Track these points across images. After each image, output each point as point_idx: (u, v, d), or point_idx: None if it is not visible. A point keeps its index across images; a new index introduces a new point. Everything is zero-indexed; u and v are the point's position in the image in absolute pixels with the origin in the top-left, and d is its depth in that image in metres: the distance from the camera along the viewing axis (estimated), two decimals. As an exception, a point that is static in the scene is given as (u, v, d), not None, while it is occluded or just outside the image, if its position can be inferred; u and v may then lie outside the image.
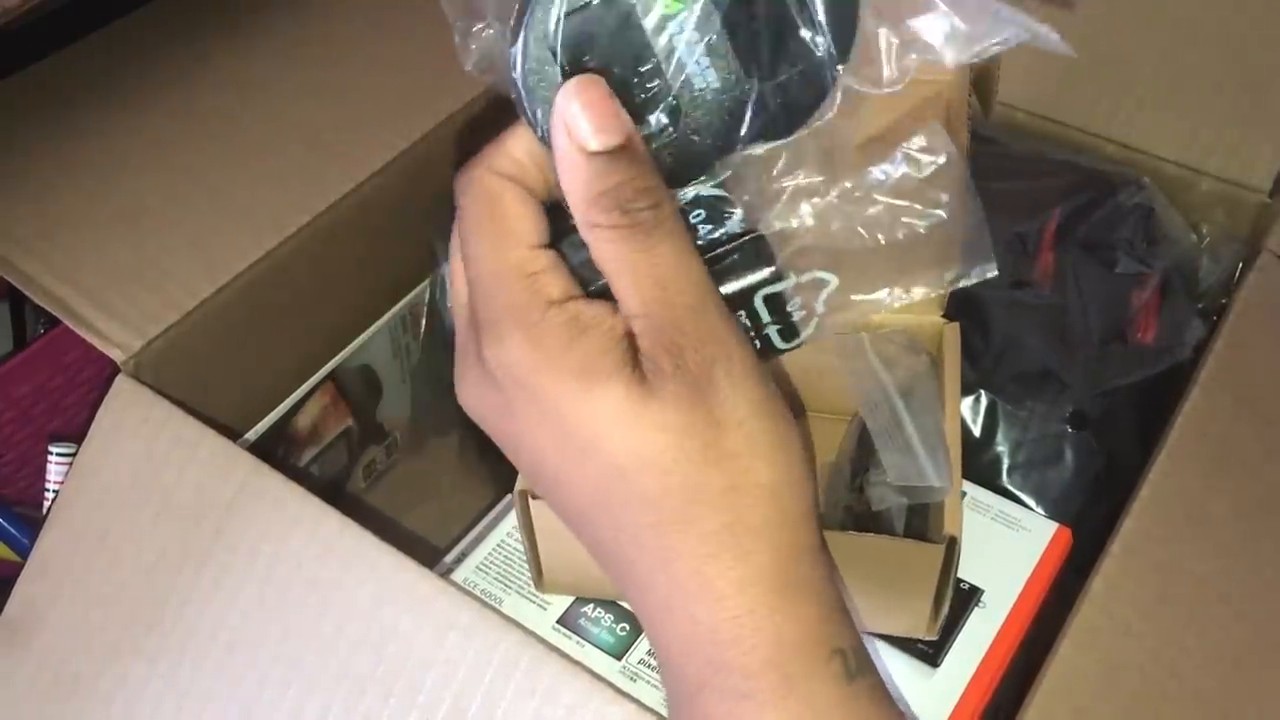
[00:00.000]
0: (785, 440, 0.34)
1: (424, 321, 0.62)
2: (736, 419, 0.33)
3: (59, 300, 0.48)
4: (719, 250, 0.36)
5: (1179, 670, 0.43)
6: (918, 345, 0.51)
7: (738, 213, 0.36)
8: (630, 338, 0.33)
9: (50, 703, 0.44)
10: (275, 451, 0.56)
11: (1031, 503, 0.57)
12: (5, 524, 0.54)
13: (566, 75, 0.33)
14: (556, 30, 0.33)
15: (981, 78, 0.69)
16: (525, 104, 0.34)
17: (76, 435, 0.48)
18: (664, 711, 0.37)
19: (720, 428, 0.33)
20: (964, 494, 0.51)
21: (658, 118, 0.34)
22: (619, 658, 0.47)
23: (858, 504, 0.49)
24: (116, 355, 0.47)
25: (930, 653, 0.47)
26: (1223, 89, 0.66)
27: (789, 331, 0.37)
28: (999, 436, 0.58)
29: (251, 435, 0.54)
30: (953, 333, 0.51)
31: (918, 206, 0.36)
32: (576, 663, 0.39)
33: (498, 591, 0.49)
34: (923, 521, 0.47)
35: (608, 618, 0.48)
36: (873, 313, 0.38)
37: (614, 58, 0.33)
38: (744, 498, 0.33)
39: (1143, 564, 0.46)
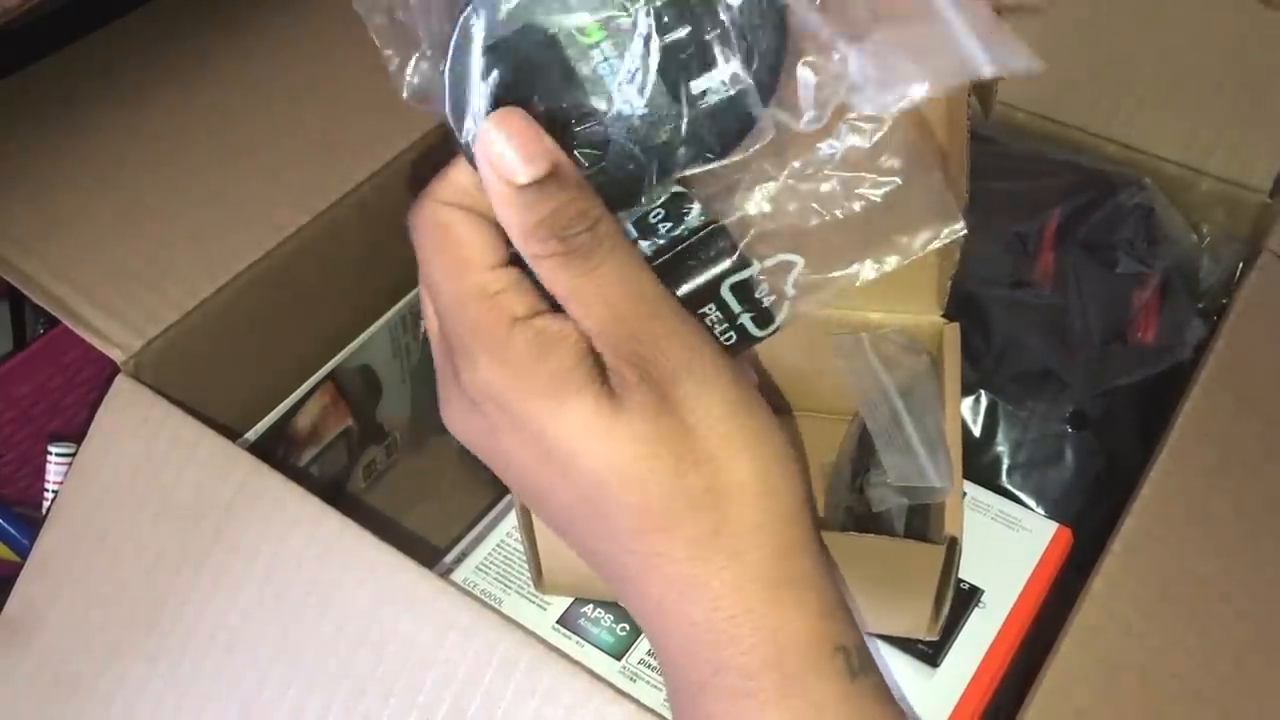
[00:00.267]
0: (764, 436, 0.34)
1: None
2: (709, 421, 0.33)
3: (58, 300, 0.48)
4: (681, 246, 0.36)
5: (1180, 670, 0.43)
6: (918, 345, 0.51)
7: (696, 207, 0.36)
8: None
9: (50, 702, 0.44)
10: (275, 451, 0.56)
11: (1032, 503, 0.57)
12: (5, 524, 0.54)
13: (493, 107, 0.33)
14: (479, 62, 0.33)
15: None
16: (457, 136, 0.34)
17: (76, 435, 0.48)
18: (664, 711, 0.37)
19: (693, 432, 0.33)
20: (964, 494, 0.51)
21: (589, 148, 0.34)
22: (619, 658, 0.47)
23: (858, 504, 0.49)
24: (116, 355, 0.47)
25: (930, 653, 0.47)
26: (1223, 89, 0.66)
27: (763, 318, 0.37)
28: (999, 436, 0.58)
29: (251, 435, 0.54)
30: (953, 333, 0.51)
31: (870, 176, 0.36)
32: (576, 663, 0.39)
33: (497, 591, 0.49)
34: (923, 522, 0.47)
35: (607, 618, 0.48)
36: (847, 287, 0.37)
37: (539, 88, 0.33)
38: (727, 498, 0.33)
39: (1144, 563, 0.46)
